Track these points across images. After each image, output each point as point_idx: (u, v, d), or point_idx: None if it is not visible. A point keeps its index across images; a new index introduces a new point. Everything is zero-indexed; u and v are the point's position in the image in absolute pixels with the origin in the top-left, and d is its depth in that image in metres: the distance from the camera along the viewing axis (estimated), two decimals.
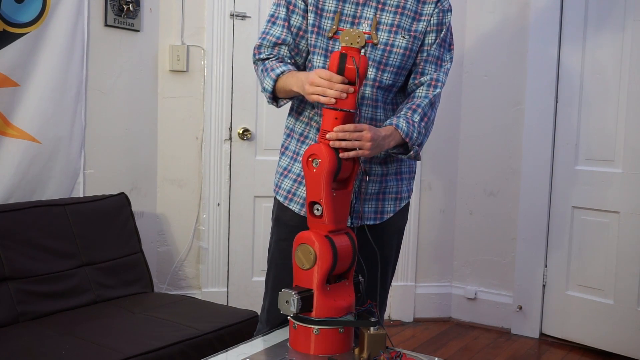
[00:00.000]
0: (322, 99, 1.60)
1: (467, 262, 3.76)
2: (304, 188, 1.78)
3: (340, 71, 1.58)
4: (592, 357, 3.22)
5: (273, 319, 1.88)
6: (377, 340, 1.55)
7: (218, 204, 3.40)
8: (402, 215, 1.96)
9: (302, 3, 1.83)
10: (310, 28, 1.83)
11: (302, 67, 1.91)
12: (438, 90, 1.86)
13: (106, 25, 3.02)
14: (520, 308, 3.52)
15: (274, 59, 1.85)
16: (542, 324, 3.48)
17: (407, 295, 3.73)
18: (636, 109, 3.09)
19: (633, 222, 3.10)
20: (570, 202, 3.33)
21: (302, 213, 1.87)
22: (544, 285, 3.45)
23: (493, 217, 3.65)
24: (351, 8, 1.80)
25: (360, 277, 1.71)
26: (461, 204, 3.76)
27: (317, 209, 1.60)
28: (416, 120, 1.79)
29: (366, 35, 1.76)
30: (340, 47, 1.63)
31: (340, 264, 1.61)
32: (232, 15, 3.36)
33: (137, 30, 3.18)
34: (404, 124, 1.75)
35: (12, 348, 2.13)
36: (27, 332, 2.28)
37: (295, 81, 1.74)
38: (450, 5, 1.87)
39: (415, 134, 1.77)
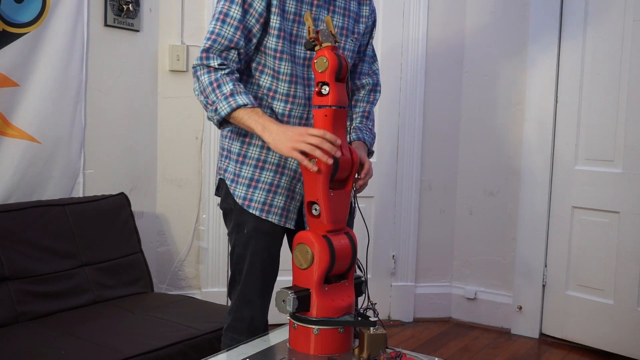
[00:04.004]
0: (322, 158, 1.56)
1: (466, 262, 3.76)
2: (280, 197, 1.82)
3: (344, 69, 1.61)
4: (592, 357, 3.22)
5: (259, 326, 1.84)
6: (377, 340, 1.55)
7: (218, 204, 3.39)
8: None
9: (261, 5, 1.71)
10: (274, 32, 1.73)
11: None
12: (379, 95, 2.02)
13: (106, 25, 3.02)
14: (520, 308, 3.52)
15: (225, 71, 1.70)
16: (542, 324, 3.48)
17: (407, 295, 3.73)
18: (636, 109, 3.09)
19: (633, 222, 3.10)
20: (570, 202, 3.33)
21: (281, 224, 1.82)
22: (543, 285, 3.45)
23: (493, 217, 3.65)
24: (307, 9, 1.78)
25: (361, 278, 1.71)
26: (461, 204, 3.76)
27: (315, 209, 1.61)
28: (370, 127, 1.97)
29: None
30: (305, 50, 1.73)
31: (339, 264, 1.60)
32: None
33: (137, 30, 3.18)
34: (368, 136, 1.92)
35: (12, 348, 2.13)
36: (27, 332, 2.28)
37: (261, 124, 1.64)
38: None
39: (373, 140, 1.96)
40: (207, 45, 1.72)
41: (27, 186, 2.74)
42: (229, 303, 1.93)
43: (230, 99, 1.66)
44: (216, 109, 1.68)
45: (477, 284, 3.72)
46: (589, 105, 3.25)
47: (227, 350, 1.69)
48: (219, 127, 1.75)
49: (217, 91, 1.68)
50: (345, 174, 1.65)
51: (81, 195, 2.94)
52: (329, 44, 1.62)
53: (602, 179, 3.21)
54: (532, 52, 3.42)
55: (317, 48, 1.62)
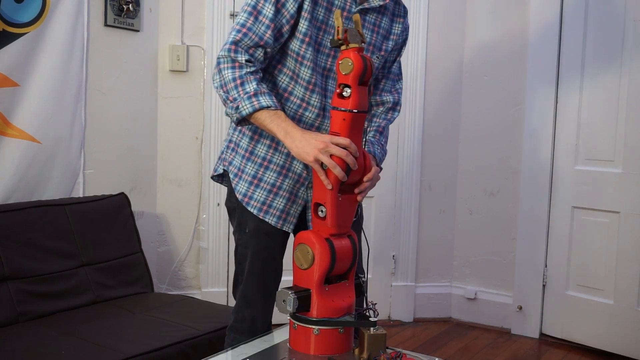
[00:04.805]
0: (335, 171, 1.55)
1: (467, 262, 3.76)
2: (280, 199, 1.80)
3: (369, 73, 1.57)
4: (592, 357, 3.22)
5: (261, 326, 1.84)
6: (377, 341, 1.55)
7: (218, 204, 3.40)
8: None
9: (293, 7, 1.66)
10: (300, 36, 1.69)
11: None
12: (397, 114, 1.99)
13: (106, 25, 3.02)
14: (520, 308, 3.52)
15: (250, 69, 1.65)
16: (542, 324, 3.48)
17: (407, 295, 3.73)
18: (636, 109, 3.09)
19: (633, 222, 3.10)
20: (570, 202, 3.33)
21: (279, 226, 1.81)
22: (544, 285, 3.45)
23: (493, 217, 3.65)
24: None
25: (362, 279, 1.71)
26: (461, 204, 3.76)
27: (322, 211, 1.60)
28: (383, 142, 1.92)
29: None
30: (327, 59, 1.71)
31: (340, 265, 1.60)
32: (232, 15, 3.35)
33: (137, 30, 3.18)
34: (379, 152, 1.87)
35: (12, 348, 2.13)
36: (27, 332, 2.28)
37: (284, 129, 1.61)
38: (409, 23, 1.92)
39: (383, 156, 1.91)
40: (237, 38, 1.65)
41: (27, 186, 2.74)
42: (233, 302, 1.93)
43: (254, 99, 1.61)
44: (237, 107, 1.62)
45: (477, 284, 3.72)
46: (589, 105, 3.25)
47: (228, 350, 1.69)
48: (237, 125, 1.71)
49: (240, 89, 1.62)
50: (356, 179, 1.63)
51: (81, 195, 2.94)
52: (356, 45, 1.57)
53: (602, 179, 3.21)
54: (532, 52, 3.42)
55: (343, 47, 1.57)
